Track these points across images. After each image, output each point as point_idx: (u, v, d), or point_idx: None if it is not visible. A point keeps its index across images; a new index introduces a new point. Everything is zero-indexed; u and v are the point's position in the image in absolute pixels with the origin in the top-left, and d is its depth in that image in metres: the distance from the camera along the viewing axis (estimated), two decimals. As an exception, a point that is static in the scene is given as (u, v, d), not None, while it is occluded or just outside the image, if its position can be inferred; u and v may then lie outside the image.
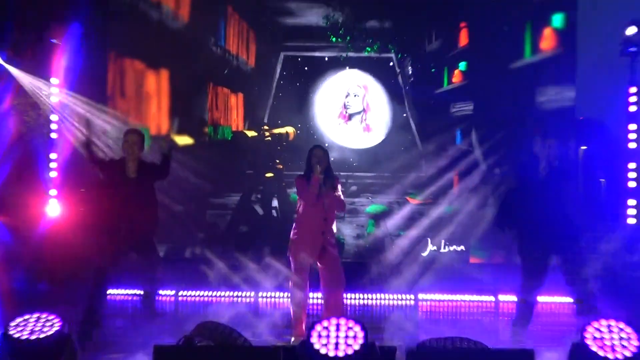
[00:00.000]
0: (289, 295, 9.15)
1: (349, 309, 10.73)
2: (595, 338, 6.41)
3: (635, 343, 6.37)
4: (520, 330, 9.14)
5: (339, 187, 9.22)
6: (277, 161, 13.38)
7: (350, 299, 12.28)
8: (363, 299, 12.56)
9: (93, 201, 9.21)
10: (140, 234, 9.00)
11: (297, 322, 8.99)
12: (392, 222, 13.21)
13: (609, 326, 6.47)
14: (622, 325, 6.47)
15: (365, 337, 6.19)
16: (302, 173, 9.20)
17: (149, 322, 8.99)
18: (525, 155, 9.31)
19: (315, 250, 8.90)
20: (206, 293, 12.64)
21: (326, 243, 8.93)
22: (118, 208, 8.87)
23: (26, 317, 6.53)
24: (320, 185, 8.93)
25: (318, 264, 9.05)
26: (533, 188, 9.08)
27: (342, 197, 9.19)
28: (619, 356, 6.32)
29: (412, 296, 12.75)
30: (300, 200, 9.16)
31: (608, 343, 6.38)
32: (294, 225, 9.18)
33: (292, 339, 8.79)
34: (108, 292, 9.47)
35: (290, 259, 9.12)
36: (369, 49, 13.37)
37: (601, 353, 6.33)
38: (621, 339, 6.41)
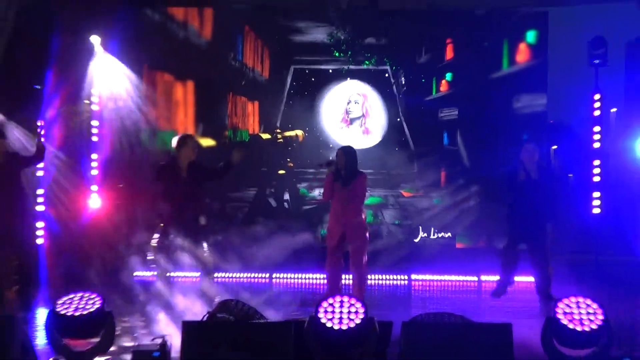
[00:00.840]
0: (326, 275, 9.07)
1: (350, 288, 10.68)
2: (565, 313, 6.39)
3: (601, 317, 6.35)
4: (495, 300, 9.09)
5: (364, 182, 9.05)
6: (288, 160, 13.35)
7: (351, 279, 12.24)
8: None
9: (156, 196, 9.33)
10: (189, 220, 9.07)
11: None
12: (388, 213, 13.20)
13: (577, 302, 6.45)
14: (589, 301, 6.45)
15: (365, 312, 6.19)
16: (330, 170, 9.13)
17: (178, 301, 8.97)
18: (515, 161, 9.22)
19: (335, 236, 8.83)
20: (227, 275, 12.63)
21: (346, 230, 8.83)
22: (174, 201, 9.01)
23: (71, 295, 6.53)
24: (334, 181, 8.84)
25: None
26: (524, 188, 8.94)
27: (365, 192, 9.02)
28: (586, 329, 6.31)
29: (406, 276, 12.74)
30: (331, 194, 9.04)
31: (577, 317, 6.36)
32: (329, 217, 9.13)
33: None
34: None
35: (327, 245, 9.07)
36: (367, 62, 13.34)
37: (571, 326, 6.32)
38: (588, 313, 6.39)
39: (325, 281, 9.13)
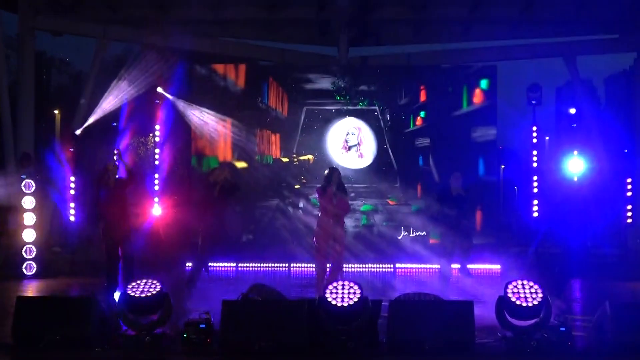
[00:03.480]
0: (315, 265, 8.94)
1: (351, 274, 10.56)
2: (514, 292, 6.29)
3: (541, 295, 6.25)
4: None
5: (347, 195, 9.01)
6: (302, 177, 13.28)
7: (351, 267, 12.13)
8: (359, 267, 12.42)
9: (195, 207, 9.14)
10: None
11: (319, 283, 8.76)
12: (378, 216, 13.10)
13: (522, 284, 6.35)
14: (531, 283, 6.36)
15: (361, 293, 6.12)
16: (320, 185, 8.98)
17: (220, 284, 8.85)
18: (445, 184, 9.76)
19: (329, 237, 8.71)
20: (256, 264, 12.54)
21: (335, 233, 8.71)
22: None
23: (138, 281, 6.46)
24: (334, 194, 8.73)
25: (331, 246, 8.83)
26: (450, 202, 9.45)
27: (348, 202, 8.99)
28: (530, 304, 6.20)
29: (392, 265, 12.64)
30: (320, 204, 8.90)
31: (522, 295, 6.26)
32: (317, 221, 8.98)
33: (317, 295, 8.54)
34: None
35: (315, 243, 8.93)
36: (361, 104, 13.27)
37: (518, 302, 6.22)
38: (531, 292, 6.29)
39: (315, 271, 8.94)
